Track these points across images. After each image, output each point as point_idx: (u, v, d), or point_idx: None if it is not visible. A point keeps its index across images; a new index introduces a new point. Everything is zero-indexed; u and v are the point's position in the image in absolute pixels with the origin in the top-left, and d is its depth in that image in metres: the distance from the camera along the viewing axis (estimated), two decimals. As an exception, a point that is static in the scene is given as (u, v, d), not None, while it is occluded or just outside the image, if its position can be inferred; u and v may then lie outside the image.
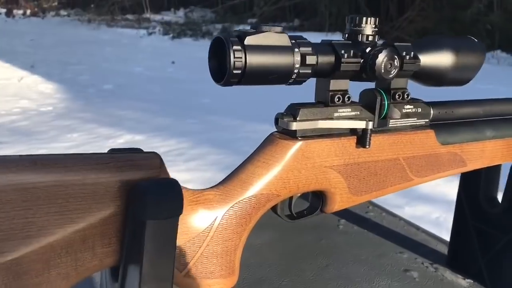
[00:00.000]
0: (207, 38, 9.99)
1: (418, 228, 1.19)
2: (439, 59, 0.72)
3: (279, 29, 0.59)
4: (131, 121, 4.70)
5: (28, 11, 12.52)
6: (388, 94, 0.72)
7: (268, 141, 0.65)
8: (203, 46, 9.49)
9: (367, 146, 0.68)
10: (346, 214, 1.22)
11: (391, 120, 0.73)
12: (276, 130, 0.67)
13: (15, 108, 5.18)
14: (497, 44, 8.01)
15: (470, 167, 0.83)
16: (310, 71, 0.62)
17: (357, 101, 0.72)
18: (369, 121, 0.67)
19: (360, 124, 0.67)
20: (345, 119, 0.68)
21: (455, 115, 0.81)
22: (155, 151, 0.59)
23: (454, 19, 8.21)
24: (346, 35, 0.68)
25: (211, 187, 0.63)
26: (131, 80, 6.67)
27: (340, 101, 0.67)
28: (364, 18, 0.66)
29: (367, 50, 0.65)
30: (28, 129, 4.57)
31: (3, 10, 12.68)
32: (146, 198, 0.52)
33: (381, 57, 0.64)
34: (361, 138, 0.68)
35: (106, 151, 0.58)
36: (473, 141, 0.82)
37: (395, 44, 0.69)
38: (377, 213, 1.25)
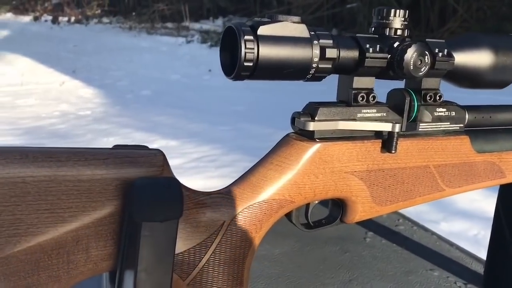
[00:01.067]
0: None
1: (452, 244, 1.10)
2: (476, 58, 0.66)
3: (297, 18, 0.55)
4: (166, 126, 4.73)
5: (73, 18, 12.89)
6: (418, 95, 0.66)
7: (283, 142, 0.60)
8: (240, 55, 9.52)
9: (393, 151, 0.62)
10: (373, 226, 1.15)
11: (421, 124, 0.66)
12: (293, 131, 0.62)
13: (55, 112, 5.30)
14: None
15: (510, 178, 0.75)
16: (330, 66, 0.57)
17: (384, 101, 0.66)
18: (396, 123, 0.61)
19: (385, 127, 0.61)
20: (370, 121, 0.62)
21: (493, 121, 0.74)
22: (159, 150, 0.55)
23: (498, 30, 7.95)
24: (373, 29, 0.62)
25: (219, 190, 0.58)
26: (168, 87, 6.75)
27: (364, 100, 0.61)
28: (393, 10, 0.61)
29: (395, 44, 0.60)
30: (66, 132, 4.67)
31: (49, 18, 13.10)
32: (141, 198, 0.48)
33: (410, 53, 0.58)
34: (387, 142, 0.62)
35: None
36: None
37: (427, 40, 0.63)
38: (407, 226, 1.18)
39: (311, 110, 0.60)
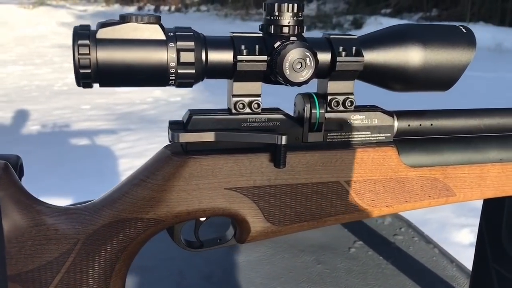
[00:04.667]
0: (338, 29, 9.76)
1: (452, 260, 0.98)
2: (400, 55, 0.55)
3: (150, 18, 0.49)
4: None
5: (173, 7, 13.43)
6: (324, 101, 0.57)
7: (156, 155, 0.56)
8: (331, 39, 9.31)
9: (281, 166, 0.55)
10: (366, 234, 1.05)
11: (329, 134, 0.58)
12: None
13: (148, 98, 5.57)
14: None
15: (463, 197, 0.64)
16: (194, 72, 0.51)
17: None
18: (283, 135, 0.53)
19: (269, 139, 0.54)
20: (256, 131, 0.55)
21: (436, 129, 0.62)
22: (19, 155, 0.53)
23: None
24: (260, 26, 0.55)
25: (77, 205, 0.55)
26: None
27: (245, 108, 0.55)
28: (283, 5, 0.53)
29: (276, 45, 0.52)
30: (154, 117, 4.89)
31: (152, 7, 13.77)
32: None
33: (286, 55, 0.50)
34: (275, 156, 0.55)
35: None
36: (464, 164, 0.62)
37: (332, 36, 0.55)
38: (408, 236, 1.06)
39: (185, 119, 0.55)
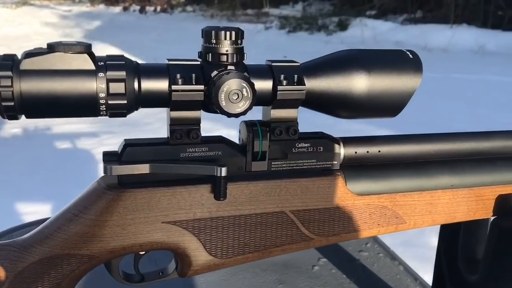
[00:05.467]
0: (323, 31, 9.77)
1: (416, 278, 0.97)
2: (342, 83, 0.54)
3: (79, 48, 0.47)
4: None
5: (159, 8, 13.36)
6: (266, 129, 0.56)
7: (89, 188, 0.54)
8: (317, 41, 9.31)
9: (222, 199, 0.53)
10: (331, 251, 1.04)
11: (273, 163, 0.56)
12: (109, 173, 0.55)
13: (130, 101, 5.50)
14: None
15: (413, 225, 0.62)
16: (126, 102, 0.49)
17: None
18: (221, 167, 0.52)
19: (208, 170, 0.52)
20: (195, 162, 0.54)
21: (385, 156, 0.61)
22: None
23: None
24: (198, 53, 0.53)
25: (6, 241, 0.53)
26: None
27: (183, 138, 0.53)
28: (220, 32, 0.51)
29: (213, 74, 0.50)
30: (136, 120, 4.83)
31: (137, 8, 13.68)
32: None
33: (222, 85, 0.49)
34: (215, 188, 0.53)
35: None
36: (413, 191, 0.61)
37: (273, 64, 0.53)
38: (373, 252, 1.05)
39: (120, 150, 0.53)
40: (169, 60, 0.52)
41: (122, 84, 0.48)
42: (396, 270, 0.99)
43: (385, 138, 0.61)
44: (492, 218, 0.67)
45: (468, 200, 0.63)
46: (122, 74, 0.48)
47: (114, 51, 8.29)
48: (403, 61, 0.56)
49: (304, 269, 0.98)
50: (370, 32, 8.76)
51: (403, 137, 0.62)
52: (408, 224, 0.62)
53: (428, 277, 1.00)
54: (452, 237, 0.74)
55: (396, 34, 8.62)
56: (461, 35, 7.93)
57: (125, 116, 0.51)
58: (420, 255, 1.94)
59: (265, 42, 9.81)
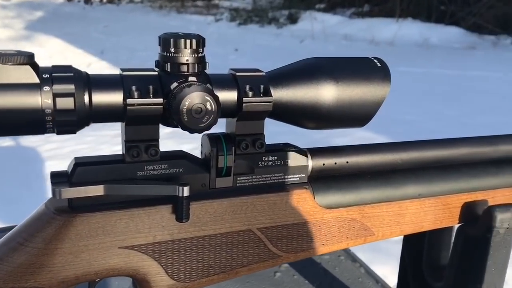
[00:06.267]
0: (274, 24, 9.79)
1: (377, 281, 0.96)
2: (310, 93, 0.51)
3: (21, 58, 0.42)
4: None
5: (105, -2, 12.96)
6: (230, 142, 0.52)
7: (35, 213, 0.48)
8: (267, 34, 9.31)
9: (184, 220, 0.49)
10: (292, 256, 1.01)
11: (239, 178, 0.53)
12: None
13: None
14: None
15: (381, 236, 0.61)
16: (75, 119, 0.44)
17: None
18: (183, 186, 0.48)
19: (168, 190, 0.48)
20: (154, 180, 0.49)
21: (353, 167, 0.59)
22: None
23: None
24: (155, 62, 0.49)
25: None
26: (192, 67, 6.71)
27: (141, 155, 0.48)
28: (180, 40, 0.47)
29: (172, 86, 0.46)
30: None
31: (83, -3, 13.20)
32: None
33: (183, 99, 0.45)
34: (176, 208, 0.49)
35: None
36: (382, 202, 0.59)
37: (238, 74, 0.49)
38: (334, 255, 1.04)
39: (70, 170, 0.48)
40: (122, 70, 0.47)
41: (71, 99, 0.43)
42: (357, 273, 0.99)
43: (353, 148, 0.59)
44: (458, 225, 0.66)
45: (435, 209, 0.62)
46: (70, 87, 0.43)
47: (58, 43, 7.96)
48: (371, 69, 0.54)
49: (266, 276, 0.96)
50: (319, 25, 8.84)
51: (371, 147, 0.60)
52: (377, 236, 0.60)
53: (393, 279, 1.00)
54: (417, 243, 0.74)
55: (345, 28, 8.74)
56: (407, 29, 8.14)
57: (74, 133, 0.46)
58: (385, 260, 1.93)
59: (216, 34, 9.72)
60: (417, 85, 5.40)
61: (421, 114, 4.18)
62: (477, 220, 0.64)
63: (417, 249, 0.74)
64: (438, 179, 0.63)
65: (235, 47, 8.17)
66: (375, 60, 0.55)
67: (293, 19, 9.43)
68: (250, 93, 0.49)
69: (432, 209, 0.62)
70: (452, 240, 0.68)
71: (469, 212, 0.64)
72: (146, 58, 7.23)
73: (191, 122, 0.45)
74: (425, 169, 0.63)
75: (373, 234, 0.60)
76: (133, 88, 0.46)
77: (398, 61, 6.68)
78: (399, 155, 0.61)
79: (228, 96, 0.49)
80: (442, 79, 5.78)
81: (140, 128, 0.48)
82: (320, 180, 0.57)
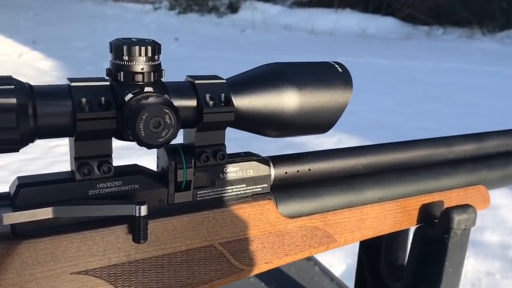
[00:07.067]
0: (214, 13, 9.70)
1: (332, 279, 0.96)
2: (272, 100, 0.49)
3: None
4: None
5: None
6: (190, 155, 0.49)
7: None
8: (207, 23, 9.21)
9: (142, 241, 0.45)
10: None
11: (199, 192, 0.50)
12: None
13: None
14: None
15: (343, 242, 0.60)
16: (18, 137, 0.39)
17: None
18: (140, 205, 0.44)
19: (123, 210, 0.44)
20: (108, 199, 0.45)
21: (316, 174, 0.57)
22: None
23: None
24: (107, 70, 0.45)
25: None
26: (131, 57, 6.52)
27: (92, 172, 0.44)
28: (133, 47, 0.43)
29: (127, 98, 0.42)
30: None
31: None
32: None
33: (140, 113, 0.41)
34: (133, 229, 0.46)
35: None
36: (343, 208, 0.58)
37: (196, 82, 0.46)
38: (289, 255, 1.03)
39: (13, 191, 0.43)
40: (70, 80, 0.43)
41: (13, 115, 0.39)
42: (313, 272, 0.98)
43: (314, 155, 0.58)
44: (415, 226, 0.67)
45: (394, 212, 0.62)
46: (11, 101, 0.39)
47: (-16, 33, 7.51)
48: (333, 75, 0.52)
49: (221, 280, 0.93)
50: (260, 15, 8.84)
51: (332, 152, 0.59)
52: (339, 242, 0.60)
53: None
54: (374, 244, 0.74)
55: (285, 17, 8.79)
56: (345, 19, 8.31)
57: (17, 151, 0.41)
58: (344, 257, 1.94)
59: (155, 23, 9.50)
60: (355, 75, 5.52)
61: (360, 105, 4.27)
62: (434, 222, 0.64)
63: (374, 250, 0.74)
64: (397, 182, 0.63)
65: (175, 36, 8.02)
66: (336, 65, 0.53)
67: (233, 8, 9.38)
68: (211, 103, 0.46)
69: (392, 212, 0.62)
70: (410, 240, 0.69)
71: (427, 213, 0.64)
72: (83, 48, 6.95)
73: (149, 137, 0.42)
74: (384, 173, 0.62)
75: (335, 240, 0.59)
76: (83, 100, 0.41)
77: (337, 51, 6.81)
78: (359, 160, 0.60)
79: (187, 106, 0.46)
80: (379, 69, 5.94)
81: (91, 143, 0.44)
82: (283, 189, 0.56)
